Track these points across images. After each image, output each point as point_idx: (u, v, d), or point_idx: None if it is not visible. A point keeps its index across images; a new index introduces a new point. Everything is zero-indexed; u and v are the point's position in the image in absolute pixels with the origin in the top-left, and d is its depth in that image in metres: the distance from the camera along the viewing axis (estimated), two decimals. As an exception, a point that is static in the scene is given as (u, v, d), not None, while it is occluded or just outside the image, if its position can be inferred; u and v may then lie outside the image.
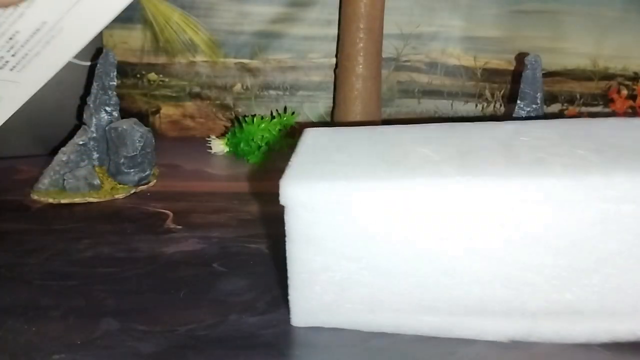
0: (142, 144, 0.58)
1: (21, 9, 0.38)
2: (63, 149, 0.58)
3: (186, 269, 0.43)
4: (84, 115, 0.60)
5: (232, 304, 0.38)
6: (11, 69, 0.42)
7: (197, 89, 0.76)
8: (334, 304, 0.35)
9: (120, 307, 0.38)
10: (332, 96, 0.76)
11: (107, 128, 0.58)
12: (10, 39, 0.39)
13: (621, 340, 0.34)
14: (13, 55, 0.41)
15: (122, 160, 0.58)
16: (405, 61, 0.76)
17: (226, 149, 0.70)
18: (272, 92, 0.77)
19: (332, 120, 0.76)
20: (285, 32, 0.75)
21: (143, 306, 0.38)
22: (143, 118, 0.72)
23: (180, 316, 0.33)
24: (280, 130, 0.69)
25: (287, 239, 0.34)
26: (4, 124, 0.50)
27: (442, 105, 0.77)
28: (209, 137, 0.72)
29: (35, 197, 0.56)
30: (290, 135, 0.70)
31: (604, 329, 0.34)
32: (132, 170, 0.58)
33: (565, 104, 0.76)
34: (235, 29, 0.74)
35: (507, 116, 0.70)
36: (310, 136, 0.40)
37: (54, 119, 0.67)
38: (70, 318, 0.37)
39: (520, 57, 0.71)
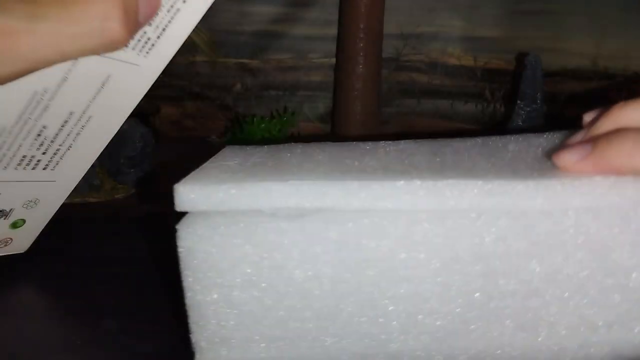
0: (142, 144, 0.58)
1: (45, 101, 0.35)
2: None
3: (186, 269, 0.43)
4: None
5: (232, 304, 0.38)
6: (44, 168, 0.39)
7: (197, 89, 0.76)
8: (236, 338, 0.31)
9: (120, 307, 0.38)
10: (332, 96, 0.76)
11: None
12: (39, 135, 0.36)
13: None
14: (44, 154, 0.38)
15: (122, 160, 0.58)
16: (405, 61, 0.76)
17: (226, 149, 0.70)
18: (272, 92, 0.77)
19: (332, 120, 0.76)
20: (285, 32, 0.75)
21: (143, 306, 0.38)
22: (143, 118, 0.72)
23: (181, 316, 0.33)
24: (280, 130, 0.69)
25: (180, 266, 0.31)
26: None
27: (442, 105, 0.77)
28: (208, 137, 0.72)
29: (35, 197, 0.56)
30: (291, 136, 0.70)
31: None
32: (132, 170, 0.58)
33: (565, 104, 0.76)
34: (235, 29, 0.74)
35: (507, 116, 0.70)
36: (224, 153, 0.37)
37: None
38: (70, 318, 0.37)
39: (520, 57, 0.71)
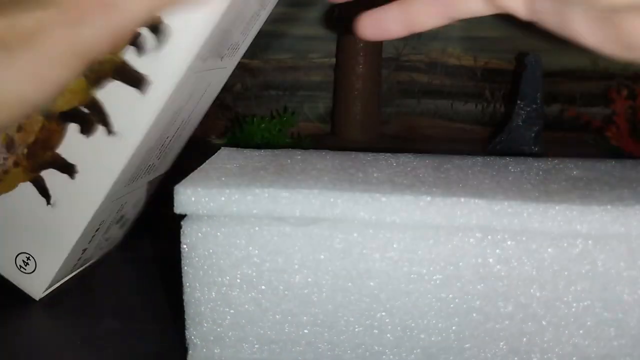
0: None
1: (178, 118, 0.37)
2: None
3: (186, 269, 0.43)
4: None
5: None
6: (155, 171, 0.42)
7: (197, 89, 0.76)
8: (230, 337, 0.31)
9: (120, 307, 0.38)
10: (332, 96, 0.76)
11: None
12: (162, 145, 0.38)
13: None
14: (159, 159, 0.40)
15: (122, 160, 0.58)
16: (405, 61, 0.76)
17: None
18: (272, 92, 0.77)
19: (332, 120, 0.76)
20: (285, 32, 0.75)
21: (143, 306, 0.38)
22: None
23: (182, 316, 0.33)
24: (280, 130, 0.69)
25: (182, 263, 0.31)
26: None
27: (442, 105, 0.77)
28: (208, 137, 0.72)
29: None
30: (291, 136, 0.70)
31: None
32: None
33: (565, 104, 0.76)
34: (235, 29, 0.74)
35: (507, 116, 0.70)
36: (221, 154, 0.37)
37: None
38: (70, 318, 0.37)
39: (520, 57, 0.71)
